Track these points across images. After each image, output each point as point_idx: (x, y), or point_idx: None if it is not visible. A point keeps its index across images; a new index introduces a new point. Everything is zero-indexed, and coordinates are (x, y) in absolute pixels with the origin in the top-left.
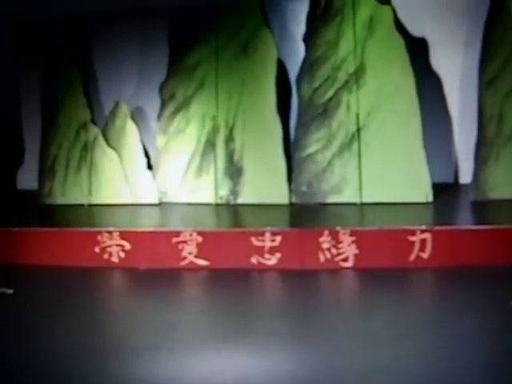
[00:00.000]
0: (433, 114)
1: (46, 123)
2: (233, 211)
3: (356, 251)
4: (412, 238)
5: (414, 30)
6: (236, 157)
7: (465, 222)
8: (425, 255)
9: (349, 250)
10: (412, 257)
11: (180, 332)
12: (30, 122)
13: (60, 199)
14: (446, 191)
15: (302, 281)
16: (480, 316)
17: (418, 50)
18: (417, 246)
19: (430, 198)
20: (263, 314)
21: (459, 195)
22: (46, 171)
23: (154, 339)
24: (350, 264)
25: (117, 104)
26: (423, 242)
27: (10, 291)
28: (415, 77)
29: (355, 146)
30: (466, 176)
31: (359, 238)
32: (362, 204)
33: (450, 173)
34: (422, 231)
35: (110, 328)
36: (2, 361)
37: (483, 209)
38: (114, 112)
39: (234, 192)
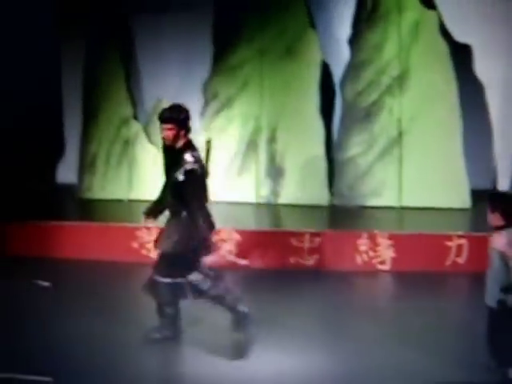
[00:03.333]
0: (473, 120)
1: (87, 118)
2: (273, 211)
3: (393, 254)
4: (449, 243)
5: (459, 36)
6: (278, 157)
7: None
8: (461, 260)
9: (386, 253)
10: (448, 262)
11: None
12: (71, 117)
13: (100, 194)
14: (484, 198)
15: (340, 282)
16: None
17: (461, 56)
18: (453, 251)
19: (468, 204)
20: (301, 314)
21: None
22: (87, 166)
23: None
24: (386, 267)
25: (159, 101)
26: (460, 247)
27: (47, 284)
28: (457, 83)
29: (396, 150)
30: (504, 183)
31: (397, 241)
32: (401, 208)
33: (488, 180)
34: (459, 237)
35: (141, 321)
36: (39, 352)
37: None
38: (156, 109)
39: (275, 192)
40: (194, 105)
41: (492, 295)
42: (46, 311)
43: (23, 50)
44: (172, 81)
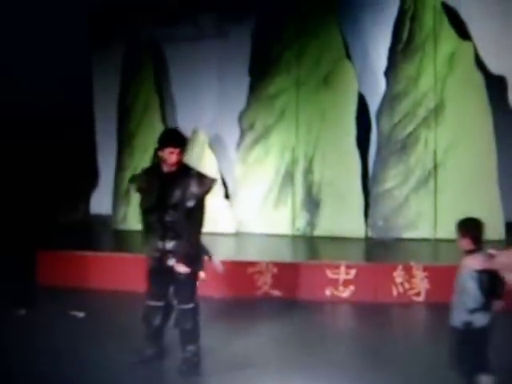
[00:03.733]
0: (508, 152)
1: (122, 148)
2: (309, 243)
3: (428, 286)
4: None
5: (494, 67)
6: (314, 189)
7: None
8: None
9: (421, 284)
10: None
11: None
12: (105, 148)
13: (134, 225)
14: None
15: (376, 314)
16: None
17: (496, 88)
18: None
19: (503, 236)
20: (337, 345)
21: None
22: (121, 196)
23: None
24: (421, 298)
25: (195, 131)
26: None
27: (82, 315)
28: (492, 115)
29: (431, 182)
30: None
31: (431, 273)
32: (436, 240)
33: None
34: None
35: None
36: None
37: None
38: (191, 139)
39: (311, 224)
40: (230, 135)
41: (459, 317)
42: (80, 342)
43: (56, 80)
44: (208, 111)
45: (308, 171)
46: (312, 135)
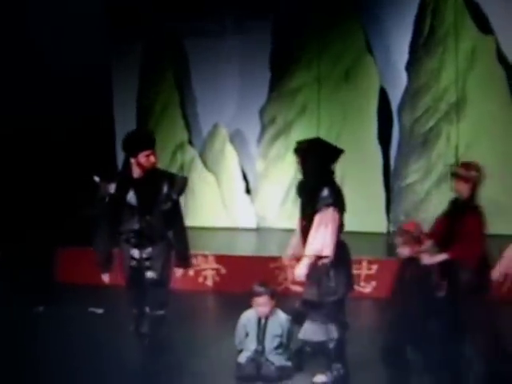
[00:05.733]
0: None
1: None
2: None
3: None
4: None
5: None
6: None
7: None
8: None
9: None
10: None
11: None
12: None
13: None
14: None
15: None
16: None
17: None
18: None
19: None
20: (360, 342)
21: None
22: None
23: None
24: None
25: (215, 126)
26: None
27: (100, 311)
28: None
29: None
30: None
31: None
32: None
33: None
34: None
35: (203, 349)
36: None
37: None
38: (212, 134)
39: None
40: (251, 130)
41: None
42: (99, 339)
43: (75, 79)
44: (228, 106)
45: None
46: (333, 130)
